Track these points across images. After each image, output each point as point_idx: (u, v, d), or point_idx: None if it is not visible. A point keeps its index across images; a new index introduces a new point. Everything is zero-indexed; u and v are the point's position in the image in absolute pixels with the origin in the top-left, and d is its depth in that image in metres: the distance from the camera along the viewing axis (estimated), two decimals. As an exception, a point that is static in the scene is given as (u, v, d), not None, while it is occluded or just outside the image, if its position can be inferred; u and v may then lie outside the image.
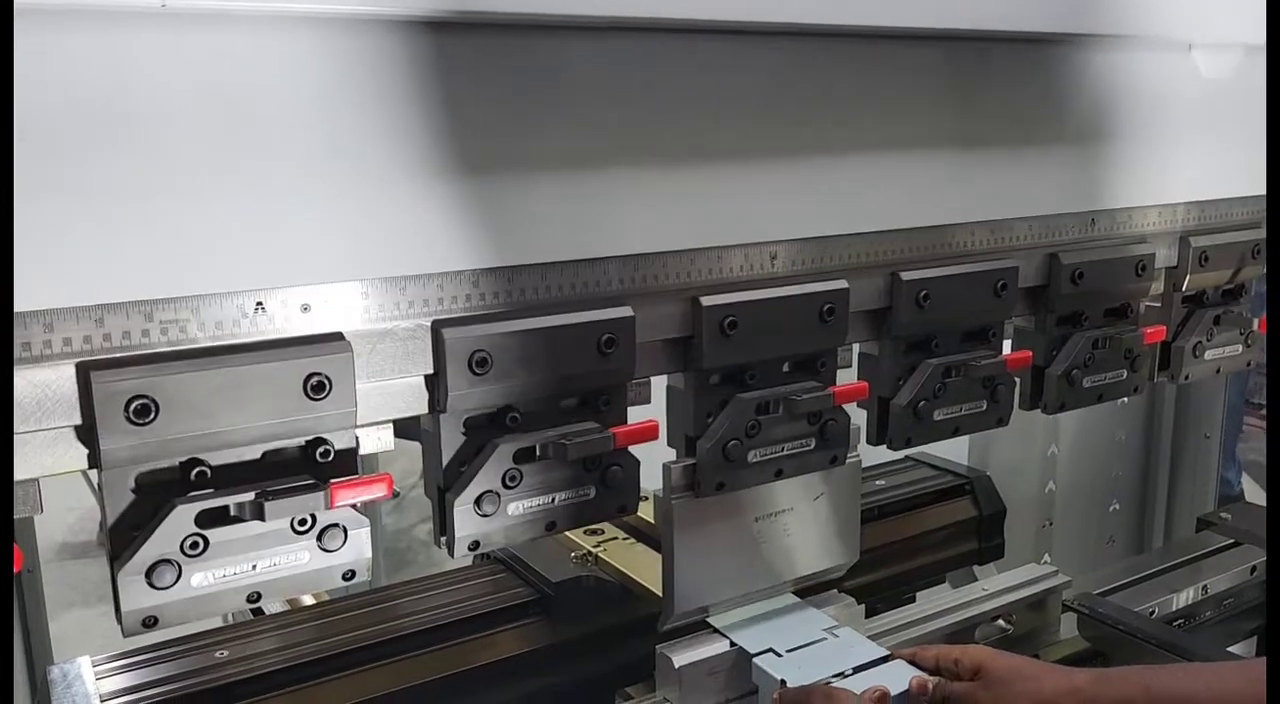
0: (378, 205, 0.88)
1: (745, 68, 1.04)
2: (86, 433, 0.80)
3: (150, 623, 0.83)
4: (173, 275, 0.81)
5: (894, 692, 1.13)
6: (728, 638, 1.20)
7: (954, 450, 1.99)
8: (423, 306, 0.92)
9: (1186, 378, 1.55)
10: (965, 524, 1.79)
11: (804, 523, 1.23)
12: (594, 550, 1.45)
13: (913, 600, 1.68)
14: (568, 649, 1.34)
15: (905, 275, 1.20)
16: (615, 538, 1.49)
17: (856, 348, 1.27)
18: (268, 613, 1.61)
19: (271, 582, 0.88)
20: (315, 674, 1.24)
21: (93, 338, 0.79)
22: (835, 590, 1.40)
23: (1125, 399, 2.13)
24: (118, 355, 0.80)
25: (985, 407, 1.31)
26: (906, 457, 1.91)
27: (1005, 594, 1.45)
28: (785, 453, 1.15)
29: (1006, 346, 1.38)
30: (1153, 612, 1.57)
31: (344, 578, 0.91)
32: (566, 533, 1.49)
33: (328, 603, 1.53)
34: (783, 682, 1.13)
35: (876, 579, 1.66)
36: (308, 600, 1.69)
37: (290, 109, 0.83)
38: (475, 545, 0.98)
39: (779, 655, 1.19)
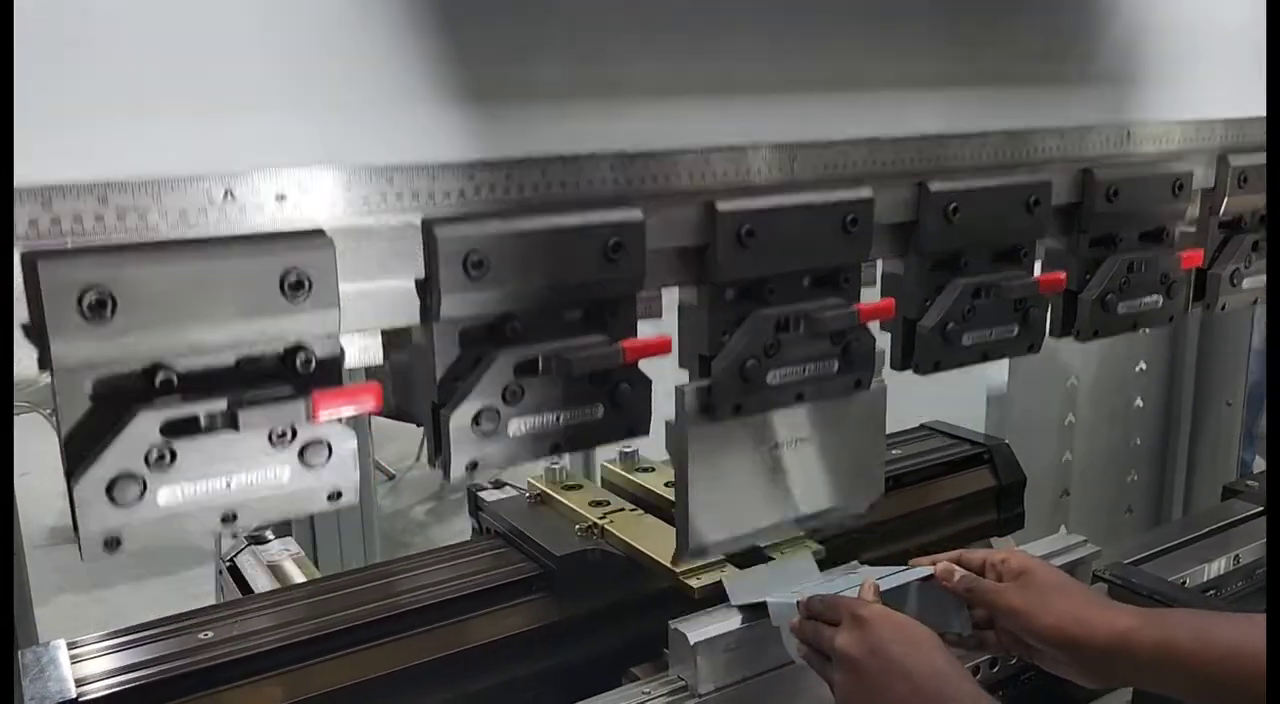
0: (363, 83, 0.79)
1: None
2: (36, 332, 0.72)
3: (113, 544, 0.75)
4: (129, 154, 0.72)
5: (915, 577, 1.07)
6: (745, 611, 1.14)
7: (971, 419, 1.93)
8: (412, 200, 0.83)
9: (1223, 307, 1.47)
10: (984, 494, 1.74)
11: (826, 452, 1.15)
12: (600, 522, 1.39)
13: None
14: (572, 626, 1.29)
15: (933, 186, 1.11)
16: (622, 509, 1.43)
17: (880, 266, 1.18)
18: (256, 592, 1.54)
19: (248, 501, 0.79)
20: (306, 655, 1.18)
21: (39, 222, 0.70)
22: (855, 561, 1.34)
23: (1143, 366, 2.09)
24: (66, 245, 0.71)
25: (1016, 331, 1.23)
26: (923, 426, 1.86)
27: None
28: (806, 375, 1.07)
29: (1038, 269, 1.30)
30: (1184, 582, 1.51)
31: (329, 499, 0.83)
32: (571, 505, 1.44)
33: (319, 581, 1.47)
34: (799, 604, 1.06)
35: (893, 552, 1.60)
36: (298, 578, 1.62)
37: (259, -34, 0.73)
38: (473, 466, 0.90)
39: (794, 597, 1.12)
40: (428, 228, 0.84)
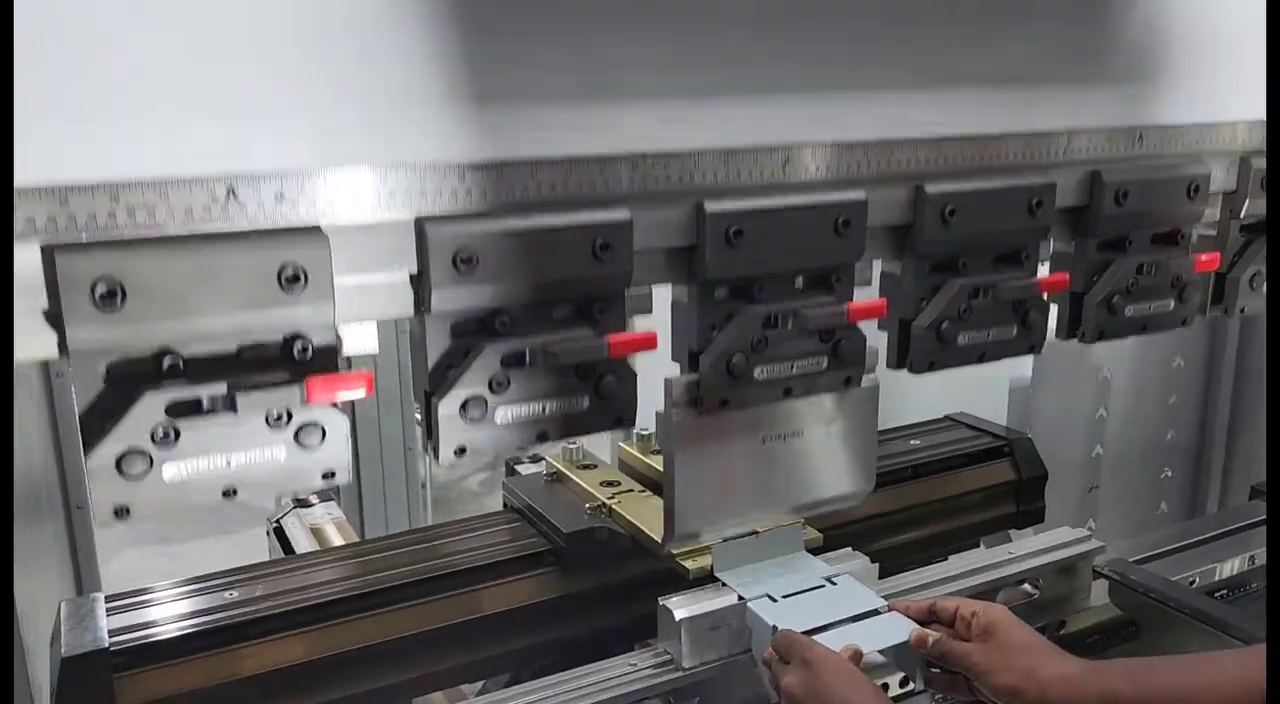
0: (358, 89, 0.85)
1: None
2: (54, 318, 0.79)
3: (122, 513, 0.82)
4: (140, 156, 0.78)
5: (892, 643, 1.11)
6: (732, 590, 1.18)
7: (994, 411, 1.93)
8: (405, 199, 0.89)
9: (1242, 311, 1.45)
10: (1003, 487, 1.73)
11: (816, 446, 1.18)
12: (608, 502, 1.43)
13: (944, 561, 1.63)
14: (575, 601, 1.33)
15: (930, 188, 1.13)
16: (630, 490, 1.47)
17: (878, 266, 1.21)
18: (298, 552, 1.63)
19: (246, 478, 0.86)
20: (322, 618, 1.24)
21: (58, 219, 0.77)
22: (850, 548, 1.37)
23: (1181, 362, 2.06)
24: (85, 241, 0.78)
25: (1015, 332, 1.24)
26: (945, 416, 1.86)
27: (1032, 557, 1.40)
28: (795, 371, 1.10)
29: (1044, 271, 1.31)
30: (1193, 581, 1.50)
31: (323, 478, 0.89)
32: (584, 484, 1.49)
33: (338, 548, 1.54)
34: (774, 628, 1.10)
35: (907, 541, 1.62)
36: (337, 541, 1.71)
37: (259, -17, 0.79)
38: (461, 451, 0.95)
39: (774, 601, 1.16)
40: (419, 225, 0.89)
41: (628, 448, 1.59)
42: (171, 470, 0.83)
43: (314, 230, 0.85)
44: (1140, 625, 1.44)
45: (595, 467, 1.56)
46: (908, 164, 1.13)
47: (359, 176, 0.87)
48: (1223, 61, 1.30)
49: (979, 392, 1.91)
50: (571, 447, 1.57)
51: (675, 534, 1.12)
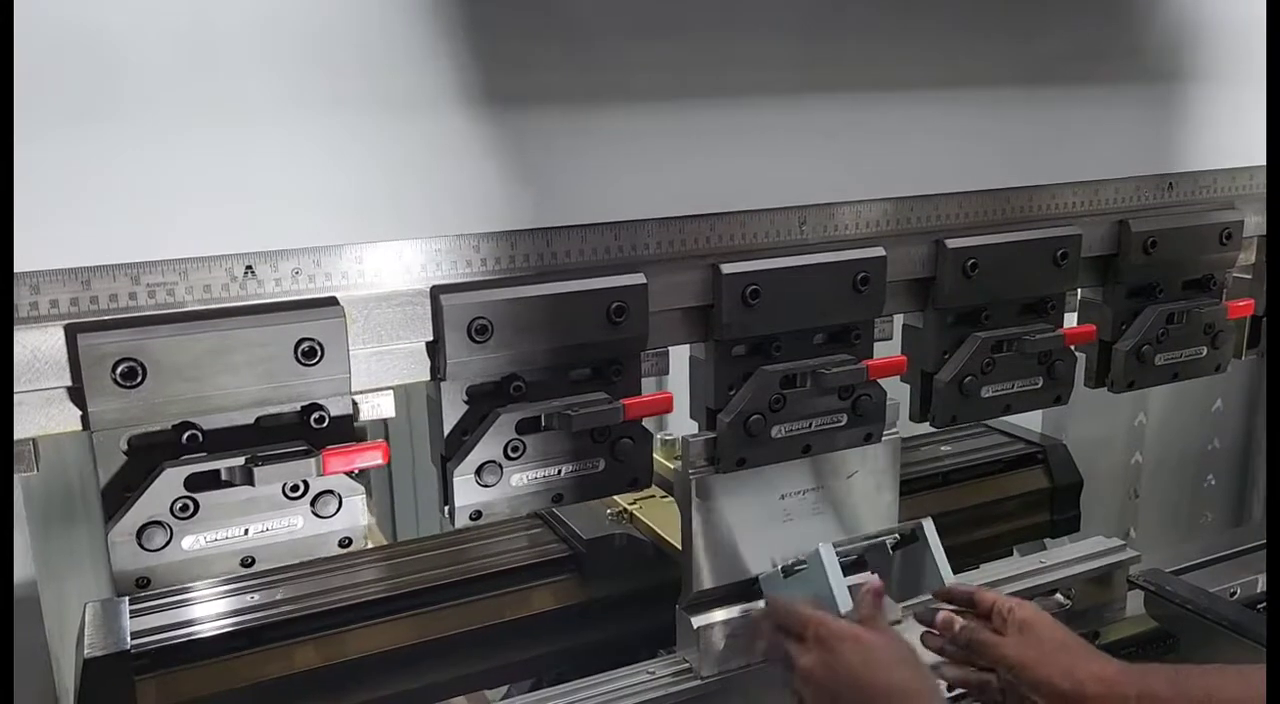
0: (370, 166, 0.86)
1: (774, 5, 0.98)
2: (77, 395, 0.81)
3: (143, 583, 0.84)
4: (159, 238, 0.80)
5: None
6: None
7: (1029, 416, 1.88)
8: (420, 271, 0.90)
9: None
10: (1037, 495, 1.68)
11: (836, 502, 1.17)
12: (630, 508, 1.42)
13: (976, 568, 1.61)
14: (596, 608, 1.32)
15: (951, 243, 1.13)
16: (653, 496, 1.45)
17: (899, 318, 1.20)
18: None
19: (264, 546, 0.87)
20: (342, 622, 1.24)
21: (80, 300, 0.79)
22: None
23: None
24: (105, 318, 0.80)
25: (1041, 384, 1.23)
26: (980, 423, 1.82)
27: (1064, 567, 1.37)
28: (813, 429, 1.10)
29: (1072, 319, 1.29)
30: (1234, 592, 1.46)
31: (340, 545, 0.91)
32: None
33: (358, 552, 1.53)
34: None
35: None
36: (365, 544, 1.71)
37: (275, 67, 0.81)
38: (477, 515, 0.96)
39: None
40: (435, 296, 0.90)
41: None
42: (190, 541, 0.85)
43: (330, 302, 0.86)
44: (1178, 638, 1.40)
45: None
46: (928, 219, 1.13)
47: (374, 250, 0.88)
48: (1253, 107, 1.28)
49: None
50: None
51: (693, 591, 1.12)
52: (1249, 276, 1.41)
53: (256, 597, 1.26)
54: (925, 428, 1.71)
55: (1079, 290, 1.29)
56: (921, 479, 1.58)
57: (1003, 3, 1.10)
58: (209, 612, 1.23)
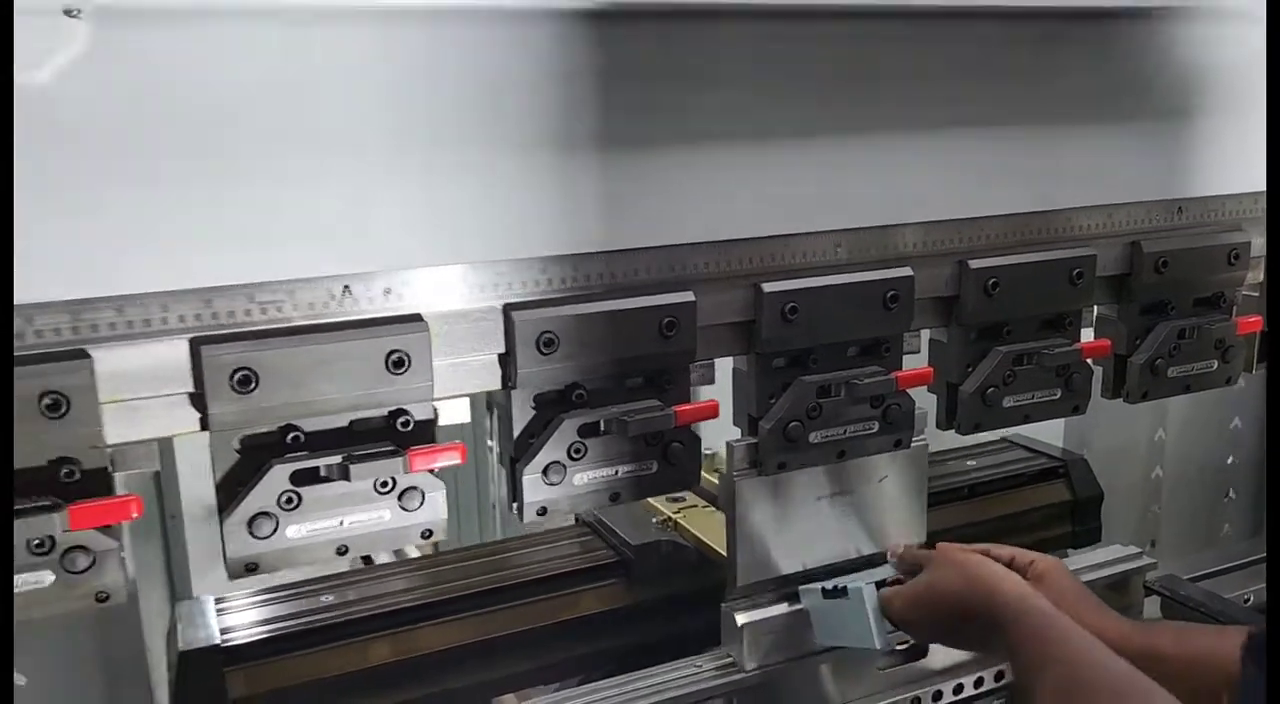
0: (452, 198, 0.97)
1: (807, 50, 1.08)
2: (198, 400, 0.92)
3: (251, 568, 0.95)
4: (271, 262, 0.91)
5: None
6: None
7: (1051, 431, 1.94)
8: (493, 290, 1.00)
9: (1287, 370, 1.50)
10: (1058, 508, 1.76)
11: (868, 504, 1.26)
12: (674, 516, 1.50)
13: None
14: (644, 610, 1.40)
15: (973, 263, 1.22)
16: (695, 505, 1.54)
17: (927, 334, 1.29)
18: (375, 562, 1.73)
19: (357, 536, 0.98)
20: (409, 621, 1.33)
21: (202, 316, 0.90)
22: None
23: (1241, 382, 2.07)
24: (224, 332, 0.91)
25: (1059, 395, 1.31)
26: (1003, 438, 1.89)
27: (1082, 573, 1.44)
28: (847, 435, 1.19)
29: (1089, 334, 1.38)
30: (1248, 599, 1.52)
31: (422, 537, 1.01)
32: (650, 499, 1.54)
33: (424, 557, 1.63)
34: (821, 589, 1.19)
35: None
36: (412, 552, 1.81)
37: (370, 111, 0.92)
38: (543, 511, 1.06)
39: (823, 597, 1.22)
40: (507, 313, 1.01)
41: None
42: (294, 530, 0.95)
43: (416, 318, 0.97)
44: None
45: None
46: (953, 242, 1.22)
47: (454, 272, 0.99)
48: (1255, 135, 1.36)
49: None
50: None
51: (738, 587, 1.21)
52: (1257, 294, 1.49)
53: (330, 597, 1.36)
54: (951, 442, 1.80)
55: (1095, 307, 1.38)
56: (948, 493, 1.66)
57: (1027, 49, 1.19)
58: (287, 611, 1.34)
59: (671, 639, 1.35)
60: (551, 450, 1.04)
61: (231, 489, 0.94)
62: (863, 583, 1.18)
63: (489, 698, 1.37)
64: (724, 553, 1.38)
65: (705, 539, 1.44)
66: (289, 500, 0.94)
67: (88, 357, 0.86)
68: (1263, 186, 1.39)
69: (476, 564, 1.47)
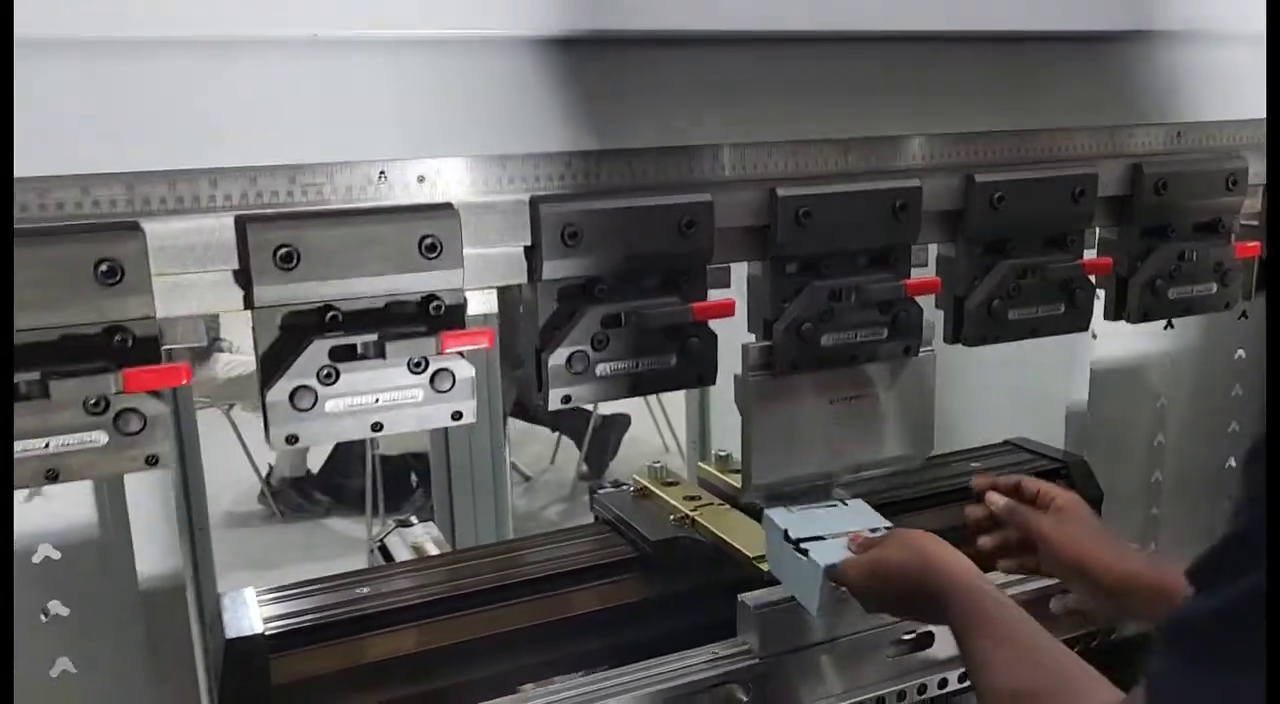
0: (484, 91, 1.02)
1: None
2: (242, 277, 0.97)
3: (293, 440, 0.99)
4: (313, 144, 0.96)
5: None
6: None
7: (1053, 435, 1.99)
8: (521, 183, 1.05)
9: (1287, 296, 1.54)
10: None
11: (879, 410, 1.31)
12: (691, 514, 1.53)
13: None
14: (662, 603, 1.43)
15: (979, 177, 1.26)
16: (711, 503, 1.57)
17: (935, 250, 1.34)
18: (398, 560, 1.77)
19: (391, 413, 1.02)
20: (439, 612, 1.37)
21: (248, 195, 0.95)
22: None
23: (1239, 390, 2.11)
24: (268, 211, 0.96)
25: (1063, 310, 1.36)
26: (1007, 441, 1.93)
27: None
28: (858, 339, 1.24)
29: (1093, 256, 1.42)
30: None
31: (453, 418, 1.05)
32: (668, 499, 1.60)
33: (449, 554, 1.67)
34: (785, 532, 1.22)
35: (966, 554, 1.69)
36: (433, 549, 1.86)
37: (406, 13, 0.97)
38: (567, 399, 1.10)
39: (790, 512, 1.26)
40: (534, 205, 1.05)
41: (706, 467, 1.70)
42: (332, 404, 1.00)
43: (448, 206, 1.02)
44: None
45: (678, 483, 1.66)
46: (960, 155, 1.27)
47: (484, 163, 1.03)
48: (1254, 65, 1.41)
49: (1039, 420, 1.99)
50: (656, 466, 1.68)
51: (753, 485, 1.26)
52: (1255, 223, 1.53)
53: (365, 590, 1.41)
54: (956, 445, 1.84)
55: (1098, 230, 1.42)
56: (953, 492, 1.68)
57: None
58: (325, 602, 1.37)
59: (690, 631, 1.38)
60: (575, 340, 1.09)
61: (273, 365, 0.99)
62: (820, 560, 1.20)
63: (513, 686, 1.39)
64: (740, 548, 1.43)
65: (721, 535, 1.47)
66: (328, 375, 0.99)
67: (140, 229, 0.91)
68: (1261, 114, 1.44)
69: (500, 560, 1.51)
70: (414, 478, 4.52)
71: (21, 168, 0.86)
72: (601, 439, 4.93)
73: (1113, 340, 1.99)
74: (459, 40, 1.00)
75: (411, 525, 1.98)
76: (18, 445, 0.89)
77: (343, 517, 4.64)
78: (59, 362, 0.89)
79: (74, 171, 0.89)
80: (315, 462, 4.75)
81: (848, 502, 1.33)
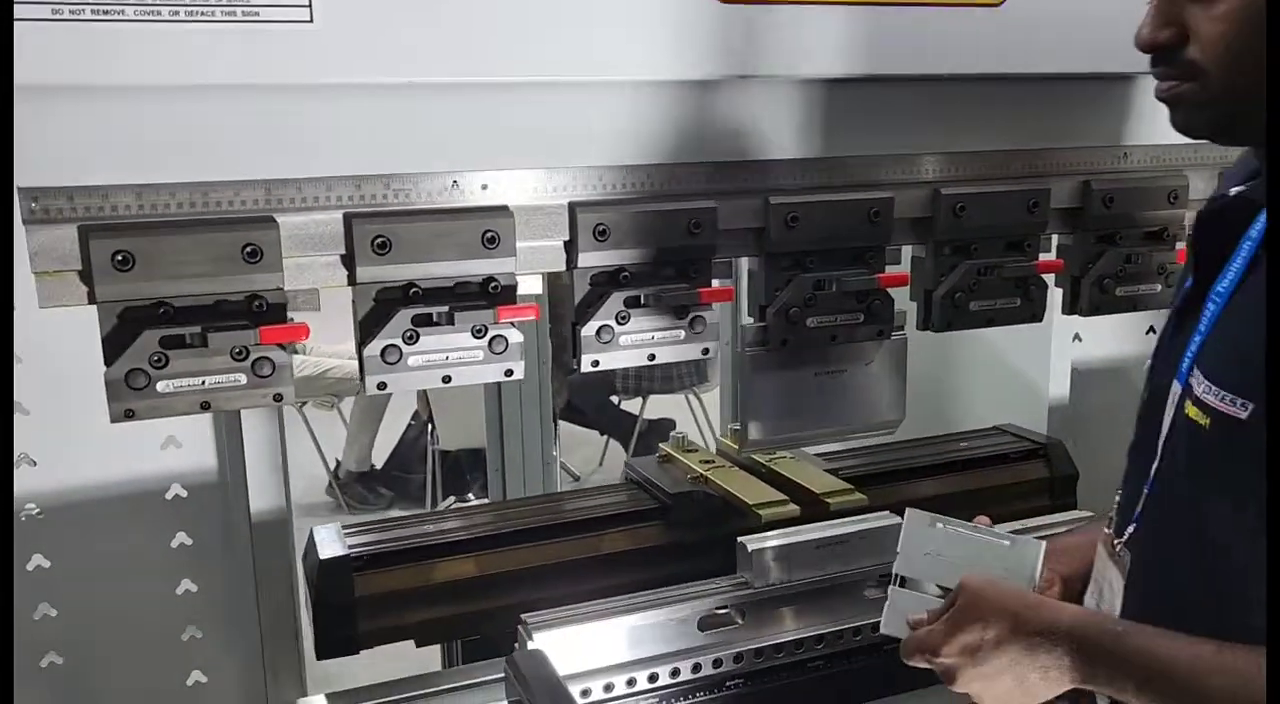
0: (535, 118, 1.31)
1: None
2: (347, 260, 1.26)
3: (381, 386, 1.28)
4: (403, 158, 1.26)
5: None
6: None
7: (1036, 422, 2.17)
8: (563, 191, 1.34)
9: (1228, 297, 1.77)
10: (1038, 483, 1.98)
11: (858, 383, 1.57)
12: (705, 473, 1.79)
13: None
14: (678, 547, 1.70)
15: (944, 190, 1.52)
16: (722, 466, 1.83)
17: (909, 251, 1.59)
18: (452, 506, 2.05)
19: (458, 369, 1.31)
20: (494, 546, 1.64)
21: (354, 197, 1.25)
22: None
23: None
24: (367, 210, 1.25)
25: (1019, 303, 1.61)
26: (995, 426, 2.12)
27: (1047, 529, 1.65)
28: (838, 322, 1.50)
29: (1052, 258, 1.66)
30: None
31: (505, 375, 1.34)
32: (687, 462, 1.85)
33: (504, 501, 1.93)
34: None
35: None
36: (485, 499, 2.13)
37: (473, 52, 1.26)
38: (595, 364, 1.38)
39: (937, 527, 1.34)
40: (572, 209, 1.34)
41: (724, 439, 1.96)
42: (414, 360, 1.29)
43: (504, 209, 1.31)
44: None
45: (698, 450, 1.92)
46: (929, 172, 1.53)
47: (534, 176, 1.32)
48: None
49: (1028, 412, 2.20)
50: (678, 435, 1.95)
51: (749, 442, 1.53)
52: (1202, 233, 1.76)
53: (432, 527, 1.67)
54: (948, 427, 2.06)
55: (1055, 237, 1.67)
56: (940, 466, 1.93)
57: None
58: (398, 534, 1.64)
59: (702, 571, 1.63)
60: (603, 316, 1.37)
61: (368, 330, 1.28)
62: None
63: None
64: (746, 501, 1.68)
65: (731, 489, 1.72)
66: (410, 337, 1.28)
67: (275, 222, 1.21)
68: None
69: (545, 507, 1.79)
70: (468, 473, 4.83)
71: (190, 175, 1.17)
72: (647, 442, 5.19)
73: (1094, 343, 2.23)
74: (514, 84, 1.29)
75: (468, 500, 2.28)
76: (182, 382, 1.19)
77: (404, 509, 4.95)
78: (214, 319, 1.19)
79: (228, 179, 1.19)
80: (379, 457, 5.08)
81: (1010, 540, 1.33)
